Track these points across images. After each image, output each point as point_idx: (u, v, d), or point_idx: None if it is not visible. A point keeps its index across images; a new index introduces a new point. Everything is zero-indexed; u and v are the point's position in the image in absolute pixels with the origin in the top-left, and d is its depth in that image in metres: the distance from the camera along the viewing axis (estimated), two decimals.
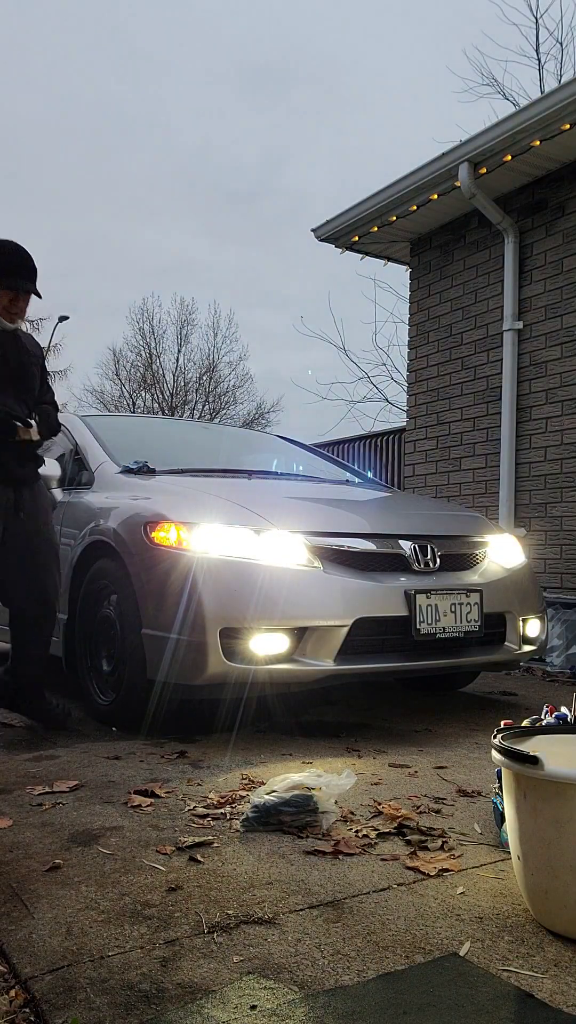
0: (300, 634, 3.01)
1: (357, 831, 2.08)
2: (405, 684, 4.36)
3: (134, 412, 25.89)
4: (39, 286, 3.16)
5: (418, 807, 2.28)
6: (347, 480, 4.57)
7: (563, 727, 1.98)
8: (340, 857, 1.92)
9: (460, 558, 3.52)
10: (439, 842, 2.01)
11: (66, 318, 25.81)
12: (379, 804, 2.28)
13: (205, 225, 43.97)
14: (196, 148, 46.38)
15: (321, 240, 6.80)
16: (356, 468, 5.26)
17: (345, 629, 3.04)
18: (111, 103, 46.67)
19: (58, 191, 46.00)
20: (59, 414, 4.59)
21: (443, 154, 5.60)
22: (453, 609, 3.27)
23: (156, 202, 45.76)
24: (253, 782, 2.49)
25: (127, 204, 45.79)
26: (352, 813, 2.22)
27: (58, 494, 3.96)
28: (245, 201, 41.81)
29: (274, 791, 2.14)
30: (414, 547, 3.34)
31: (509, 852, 1.76)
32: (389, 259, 7.16)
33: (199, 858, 1.89)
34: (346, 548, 3.22)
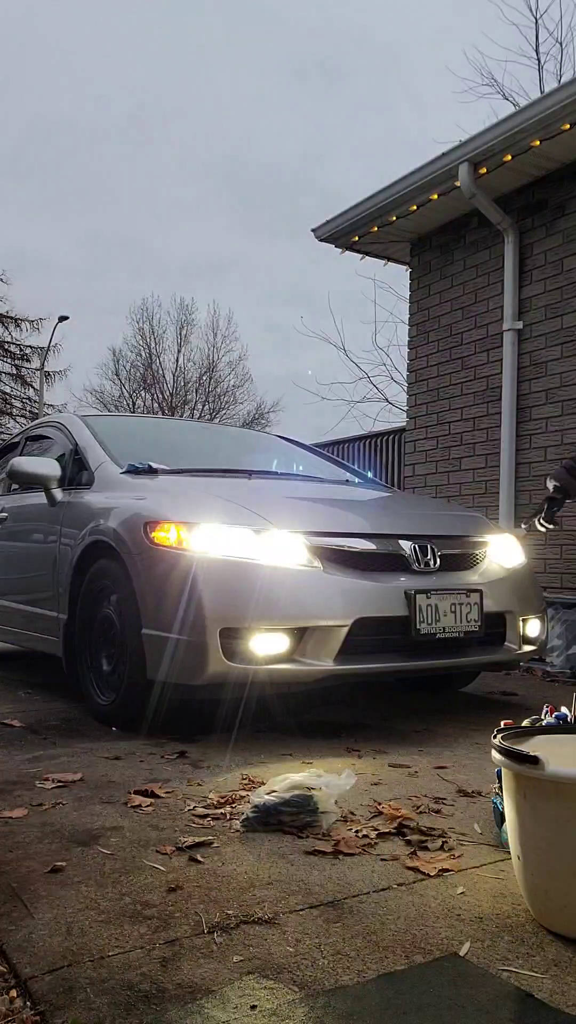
0: (300, 634, 3.01)
1: (357, 831, 2.08)
2: (405, 684, 4.36)
3: (134, 412, 25.90)
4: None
5: (418, 807, 2.28)
6: (347, 480, 4.57)
7: (563, 727, 1.98)
8: (340, 857, 1.92)
9: (460, 558, 3.52)
10: (439, 842, 2.01)
11: (66, 318, 25.83)
12: (379, 804, 2.28)
13: (239, 222, 43.62)
14: (237, 142, 46.05)
15: (321, 240, 6.79)
16: (356, 468, 5.26)
17: (345, 629, 3.04)
18: (154, 96, 46.57)
19: (93, 185, 45.87)
20: (59, 414, 4.60)
21: (443, 154, 5.59)
22: (453, 609, 3.27)
23: (192, 198, 45.58)
24: (253, 782, 2.49)
25: (162, 200, 45.64)
26: (352, 813, 2.22)
27: (58, 494, 3.96)
28: (282, 197, 41.42)
29: (274, 791, 2.14)
30: (414, 547, 3.34)
31: (509, 852, 1.76)
32: (389, 259, 7.15)
33: (199, 858, 1.89)
34: (346, 548, 3.22)
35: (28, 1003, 1.33)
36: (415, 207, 6.07)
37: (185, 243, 43.22)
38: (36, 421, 5.01)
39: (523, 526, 4.17)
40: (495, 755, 1.65)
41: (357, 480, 4.66)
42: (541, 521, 3.87)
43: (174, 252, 43.25)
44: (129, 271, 42.68)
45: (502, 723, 1.99)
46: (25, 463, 4.02)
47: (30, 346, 29.60)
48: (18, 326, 29.66)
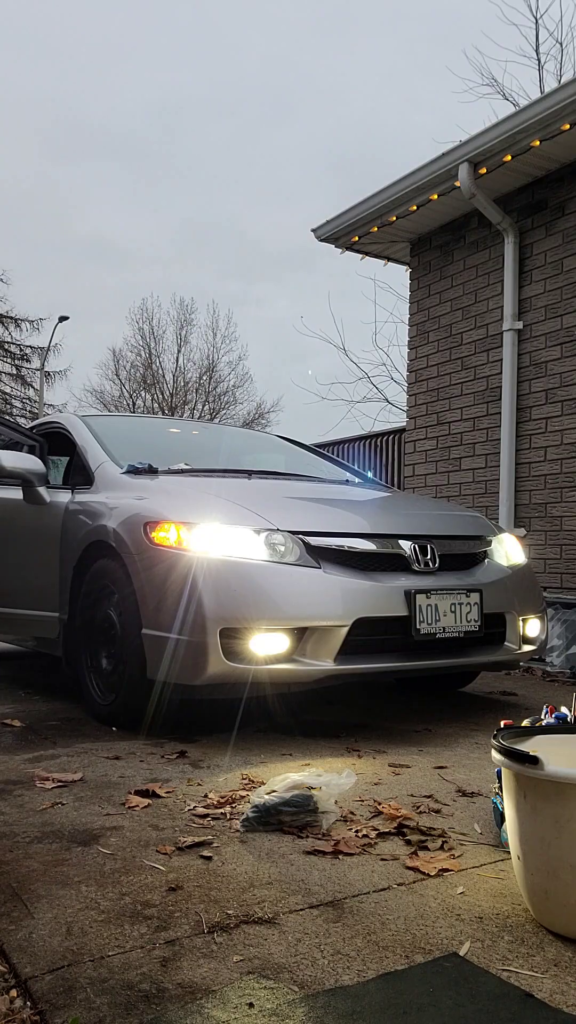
0: (300, 634, 3.01)
1: (357, 831, 2.08)
2: (405, 684, 4.36)
3: (134, 412, 25.93)
4: None
5: (418, 807, 2.28)
6: (347, 480, 4.57)
7: (563, 727, 1.98)
8: (340, 857, 1.92)
9: (460, 558, 3.52)
10: (439, 842, 2.01)
11: (66, 318, 25.89)
12: (379, 804, 2.28)
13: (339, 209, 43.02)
14: (358, 126, 44.76)
15: (321, 240, 6.79)
16: (356, 468, 5.25)
17: (345, 629, 3.04)
18: (282, 76, 45.50)
19: (203, 168, 45.15)
20: (60, 414, 4.55)
21: (443, 154, 5.59)
22: (453, 609, 3.27)
23: (301, 183, 44.67)
24: (253, 782, 2.49)
25: (271, 184, 44.50)
26: (352, 813, 2.22)
27: (43, 492, 3.90)
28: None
29: (274, 791, 2.14)
30: (414, 547, 3.34)
31: (509, 852, 1.76)
32: (389, 259, 7.16)
33: (199, 858, 1.89)
34: (346, 548, 3.22)
35: (28, 1003, 1.33)
36: (415, 207, 6.08)
37: (281, 232, 42.67)
38: (36, 421, 5.00)
39: None
40: (495, 755, 1.65)
41: (357, 480, 4.66)
42: None
43: (269, 242, 42.64)
44: (212, 260, 42.17)
45: (502, 723, 1.99)
46: (7, 457, 3.82)
47: (30, 346, 29.72)
48: (18, 326, 29.76)
